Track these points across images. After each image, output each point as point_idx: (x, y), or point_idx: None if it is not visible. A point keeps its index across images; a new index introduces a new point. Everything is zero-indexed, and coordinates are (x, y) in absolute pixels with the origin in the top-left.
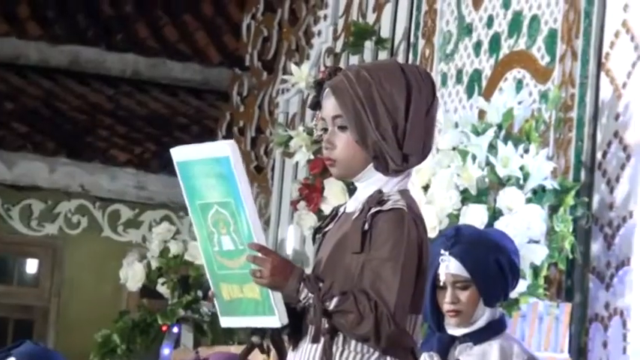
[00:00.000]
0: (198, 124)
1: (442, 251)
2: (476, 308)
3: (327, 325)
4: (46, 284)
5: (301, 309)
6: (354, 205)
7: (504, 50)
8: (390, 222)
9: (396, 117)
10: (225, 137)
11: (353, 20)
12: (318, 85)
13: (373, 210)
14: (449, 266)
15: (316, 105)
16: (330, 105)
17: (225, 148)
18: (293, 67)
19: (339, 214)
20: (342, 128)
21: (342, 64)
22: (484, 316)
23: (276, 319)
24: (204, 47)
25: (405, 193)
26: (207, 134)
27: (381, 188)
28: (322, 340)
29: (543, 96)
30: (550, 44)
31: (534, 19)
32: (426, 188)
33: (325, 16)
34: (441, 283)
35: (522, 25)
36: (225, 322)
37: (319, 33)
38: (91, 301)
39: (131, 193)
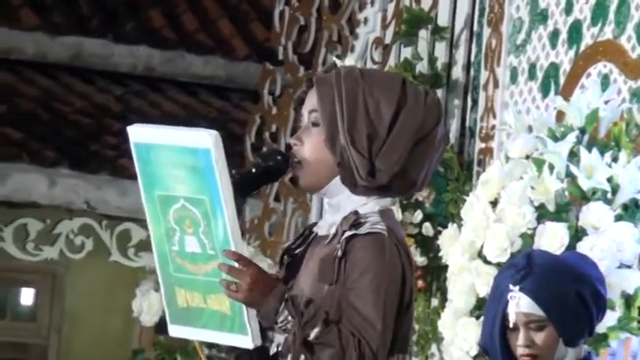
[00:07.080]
0: (222, 129)
1: (511, 286)
2: (555, 350)
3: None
4: (44, 318)
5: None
6: (325, 228)
7: (587, 40)
8: (368, 249)
9: (377, 126)
10: (253, 144)
11: (405, 6)
12: (309, 81)
13: (348, 234)
14: (519, 304)
15: (301, 102)
16: (311, 98)
17: (206, 139)
18: (335, 62)
19: (312, 235)
20: (315, 125)
21: (392, 58)
22: (566, 359)
23: (248, 339)
24: (228, 38)
25: (386, 213)
26: (233, 140)
27: (358, 209)
28: None
29: (635, 94)
30: None
31: (623, 3)
32: (494, 204)
33: (372, 1)
34: (511, 324)
35: (608, 10)
36: (177, 331)
37: (365, 21)
38: (97, 338)
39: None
